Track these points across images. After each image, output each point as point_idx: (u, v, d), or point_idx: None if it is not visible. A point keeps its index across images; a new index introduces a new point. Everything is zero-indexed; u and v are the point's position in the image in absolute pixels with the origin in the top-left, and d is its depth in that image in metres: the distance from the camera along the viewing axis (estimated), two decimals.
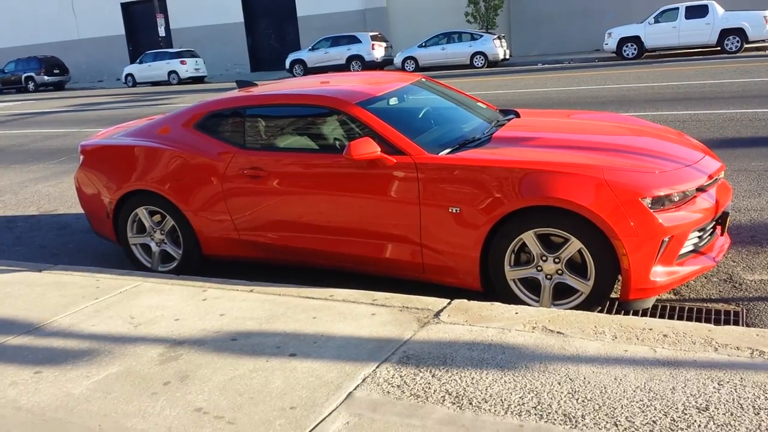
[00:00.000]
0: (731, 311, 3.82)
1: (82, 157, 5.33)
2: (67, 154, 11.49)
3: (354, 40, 27.18)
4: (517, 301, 3.83)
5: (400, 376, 2.90)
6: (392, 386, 2.83)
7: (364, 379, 2.90)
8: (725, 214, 3.99)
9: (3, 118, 19.37)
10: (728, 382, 2.64)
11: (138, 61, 32.00)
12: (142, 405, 2.85)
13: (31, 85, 34.25)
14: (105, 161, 5.11)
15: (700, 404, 2.50)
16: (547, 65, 23.43)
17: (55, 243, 6.31)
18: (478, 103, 5.30)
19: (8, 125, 17.28)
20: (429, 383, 2.83)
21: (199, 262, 4.91)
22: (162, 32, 32.46)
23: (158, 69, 30.96)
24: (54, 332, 3.70)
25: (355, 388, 2.84)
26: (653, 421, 2.42)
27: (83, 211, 5.50)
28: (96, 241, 6.21)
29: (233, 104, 4.77)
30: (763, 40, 20.67)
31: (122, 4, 37.40)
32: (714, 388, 2.60)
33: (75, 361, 3.32)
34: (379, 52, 27.01)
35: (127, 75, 31.93)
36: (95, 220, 5.33)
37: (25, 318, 3.94)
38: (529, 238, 3.71)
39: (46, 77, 34.16)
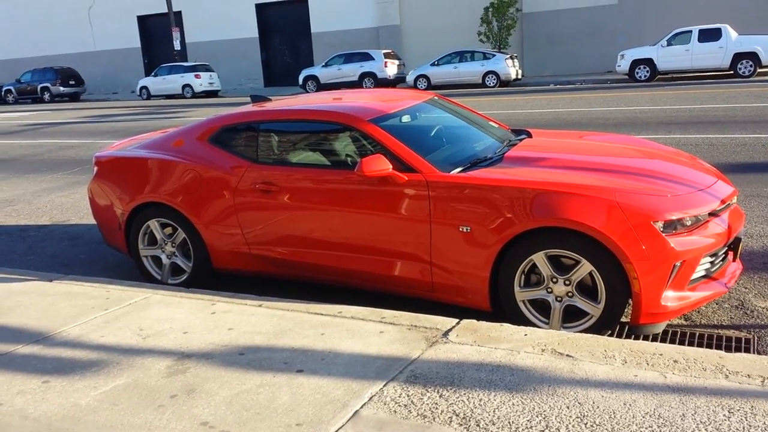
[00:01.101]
0: (742, 338, 3.78)
1: (96, 168, 5.37)
2: (81, 165, 11.58)
3: (367, 57, 27.35)
4: (527, 322, 3.81)
5: (408, 396, 2.89)
6: (399, 405, 2.81)
7: (371, 398, 2.89)
8: (737, 240, 3.96)
9: (18, 128, 19.57)
10: (738, 410, 2.61)
11: (153, 74, 32.32)
12: (149, 417, 2.85)
13: (46, 96, 34.63)
14: (119, 173, 5.15)
15: None
16: (559, 86, 23.47)
17: (66, 253, 6.34)
18: (490, 123, 5.31)
19: (23, 135, 17.45)
20: (436, 403, 2.81)
21: (209, 275, 4.92)
22: (177, 46, 32.79)
23: (173, 82, 31.24)
24: (63, 342, 3.71)
25: (361, 407, 2.82)
26: None
27: (95, 222, 5.53)
28: (107, 252, 6.24)
29: (247, 119, 4.80)
30: None
31: (138, 17, 37.86)
32: (724, 415, 2.58)
33: (83, 371, 3.33)
34: (391, 69, 27.16)
35: (142, 87, 32.24)
36: (107, 231, 5.36)
37: (35, 327, 3.95)
38: (539, 259, 3.70)
39: (61, 88, 34.54)
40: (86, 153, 12.99)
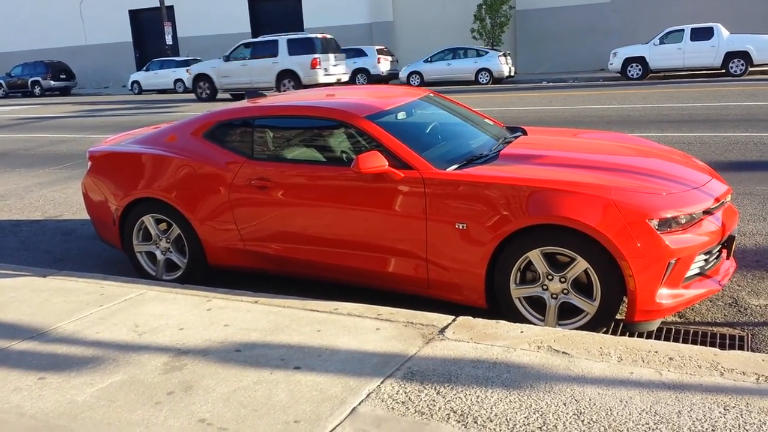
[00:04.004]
0: (736, 336, 3.81)
1: (90, 163, 5.34)
2: (73, 160, 11.52)
3: (360, 53, 27.32)
4: (522, 319, 3.82)
5: (405, 393, 2.89)
6: (397, 402, 2.82)
7: (368, 395, 2.90)
8: (731, 238, 3.99)
9: (9, 122, 19.44)
10: (734, 407, 2.63)
11: (144, 68, 32.14)
12: (146, 414, 2.85)
13: (37, 90, 34.38)
14: (113, 168, 5.13)
15: (706, 429, 2.49)
16: (551, 83, 23.52)
17: (59, 248, 6.31)
18: (486, 120, 5.32)
19: (14, 129, 17.34)
20: (434, 400, 2.82)
21: (204, 271, 4.91)
22: (169, 40, 32.61)
23: (164, 77, 31.08)
24: (58, 338, 3.70)
25: (359, 403, 2.83)
26: None
27: (89, 217, 5.51)
28: (100, 247, 6.21)
29: (242, 114, 4.79)
30: None
31: (130, 11, 37.64)
32: (720, 412, 2.60)
33: (79, 368, 3.32)
34: (384, 65, 27.14)
35: (133, 82, 32.07)
36: (101, 227, 5.34)
37: (30, 323, 3.94)
38: (535, 256, 3.72)
39: (52, 82, 34.30)
40: (78, 147, 12.91)
